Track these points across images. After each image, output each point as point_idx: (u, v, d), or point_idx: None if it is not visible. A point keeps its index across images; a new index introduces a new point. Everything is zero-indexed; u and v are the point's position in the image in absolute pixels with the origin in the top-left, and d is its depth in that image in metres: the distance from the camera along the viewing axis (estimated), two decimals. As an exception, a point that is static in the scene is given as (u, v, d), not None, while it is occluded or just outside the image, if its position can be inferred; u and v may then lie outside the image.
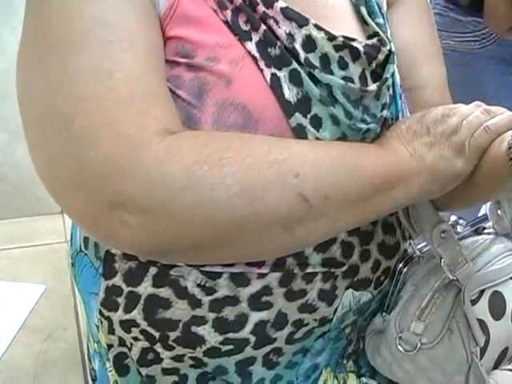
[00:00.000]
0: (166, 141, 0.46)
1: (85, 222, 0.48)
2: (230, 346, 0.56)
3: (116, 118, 0.45)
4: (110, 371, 0.61)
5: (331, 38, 0.54)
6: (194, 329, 0.55)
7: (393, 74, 0.59)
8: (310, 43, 0.53)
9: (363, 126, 0.56)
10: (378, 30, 0.59)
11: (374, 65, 0.57)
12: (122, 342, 0.59)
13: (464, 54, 1.15)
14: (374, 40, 0.58)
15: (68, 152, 0.46)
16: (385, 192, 0.52)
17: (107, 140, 0.45)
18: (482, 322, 0.59)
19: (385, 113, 0.58)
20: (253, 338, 0.56)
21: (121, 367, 0.60)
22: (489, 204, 0.66)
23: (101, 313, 0.58)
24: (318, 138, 0.53)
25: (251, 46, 0.52)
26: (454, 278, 0.59)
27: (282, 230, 0.48)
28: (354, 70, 0.56)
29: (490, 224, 0.68)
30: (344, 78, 0.55)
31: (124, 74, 0.47)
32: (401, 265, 0.62)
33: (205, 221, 0.46)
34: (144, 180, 0.44)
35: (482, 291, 0.60)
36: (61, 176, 0.47)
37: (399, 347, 0.59)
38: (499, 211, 0.65)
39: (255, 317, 0.55)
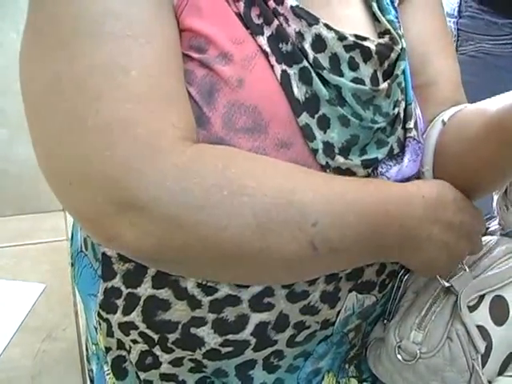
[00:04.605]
0: (188, 154, 0.45)
1: (87, 220, 0.47)
2: (230, 348, 0.55)
3: (132, 119, 0.44)
4: (108, 374, 0.61)
5: (342, 37, 0.53)
6: (193, 330, 0.54)
7: (403, 71, 0.59)
8: (319, 43, 0.52)
9: (374, 126, 0.55)
10: (389, 27, 0.58)
11: (386, 64, 0.57)
12: (120, 345, 0.58)
13: (499, 58, 1.12)
14: (386, 38, 0.58)
15: (77, 151, 0.45)
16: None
17: (123, 142, 0.44)
18: (482, 329, 0.58)
19: (397, 110, 0.57)
20: (253, 340, 0.55)
21: (119, 371, 0.60)
22: (495, 198, 0.65)
23: (99, 315, 0.58)
24: (325, 140, 0.52)
25: (262, 40, 0.51)
26: (449, 285, 0.58)
27: (282, 268, 0.49)
28: (366, 71, 0.55)
29: (494, 223, 0.67)
30: (354, 79, 0.54)
31: (140, 73, 0.45)
32: (401, 272, 0.62)
33: (212, 242, 0.45)
34: (160, 188, 0.44)
35: (482, 296, 0.60)
36: (65, 172, 0.46)
37: (398, 356, 0.58)
38: (507, 204, 0.63)
39: (256, 318, 0.55)
